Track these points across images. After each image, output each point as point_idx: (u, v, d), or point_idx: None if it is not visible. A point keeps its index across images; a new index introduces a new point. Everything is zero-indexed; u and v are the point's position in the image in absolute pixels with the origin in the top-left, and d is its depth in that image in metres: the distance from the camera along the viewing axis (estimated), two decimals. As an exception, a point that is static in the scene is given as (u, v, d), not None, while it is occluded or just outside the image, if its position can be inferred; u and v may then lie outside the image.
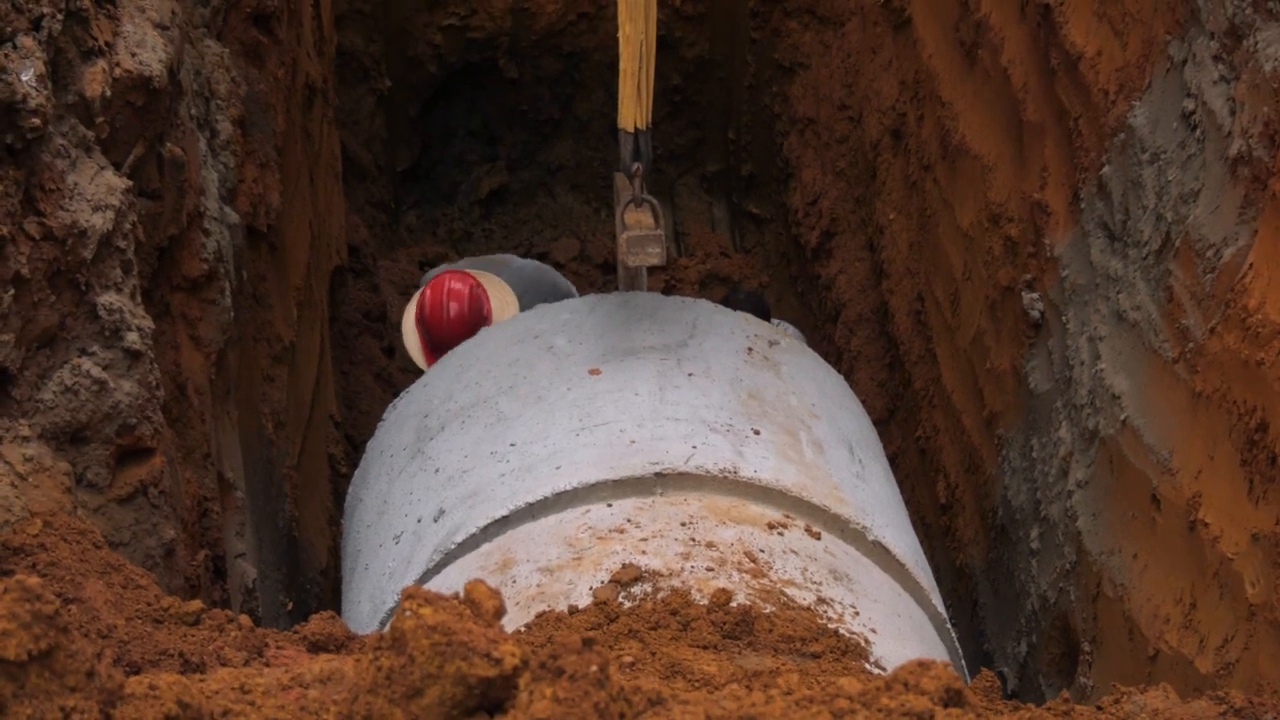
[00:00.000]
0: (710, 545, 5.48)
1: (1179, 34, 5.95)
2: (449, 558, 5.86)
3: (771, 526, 5.70)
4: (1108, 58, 6.57)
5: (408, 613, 2.20)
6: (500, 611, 2.30)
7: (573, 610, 4.99)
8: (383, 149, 11.37)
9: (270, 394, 7.21)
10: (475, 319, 7.56)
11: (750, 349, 6.78)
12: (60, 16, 4.61)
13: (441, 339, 7.55)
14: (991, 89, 7.82)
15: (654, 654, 4.41)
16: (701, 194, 12.11)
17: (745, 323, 7.05)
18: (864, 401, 9.45)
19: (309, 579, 7.63)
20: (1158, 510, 5.78)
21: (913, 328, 8.92)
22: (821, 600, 5.37)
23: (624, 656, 4.40)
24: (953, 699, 2.31)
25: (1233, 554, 5.20)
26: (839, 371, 9.78)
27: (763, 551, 5.51)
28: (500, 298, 7.78)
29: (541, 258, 11.02)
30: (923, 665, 2.34)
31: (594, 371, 6.50)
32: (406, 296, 9.93)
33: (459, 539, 5.86)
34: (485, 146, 11.80)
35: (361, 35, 11.03)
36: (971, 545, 7.87)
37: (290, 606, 7.12)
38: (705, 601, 5.02)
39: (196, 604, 4.00)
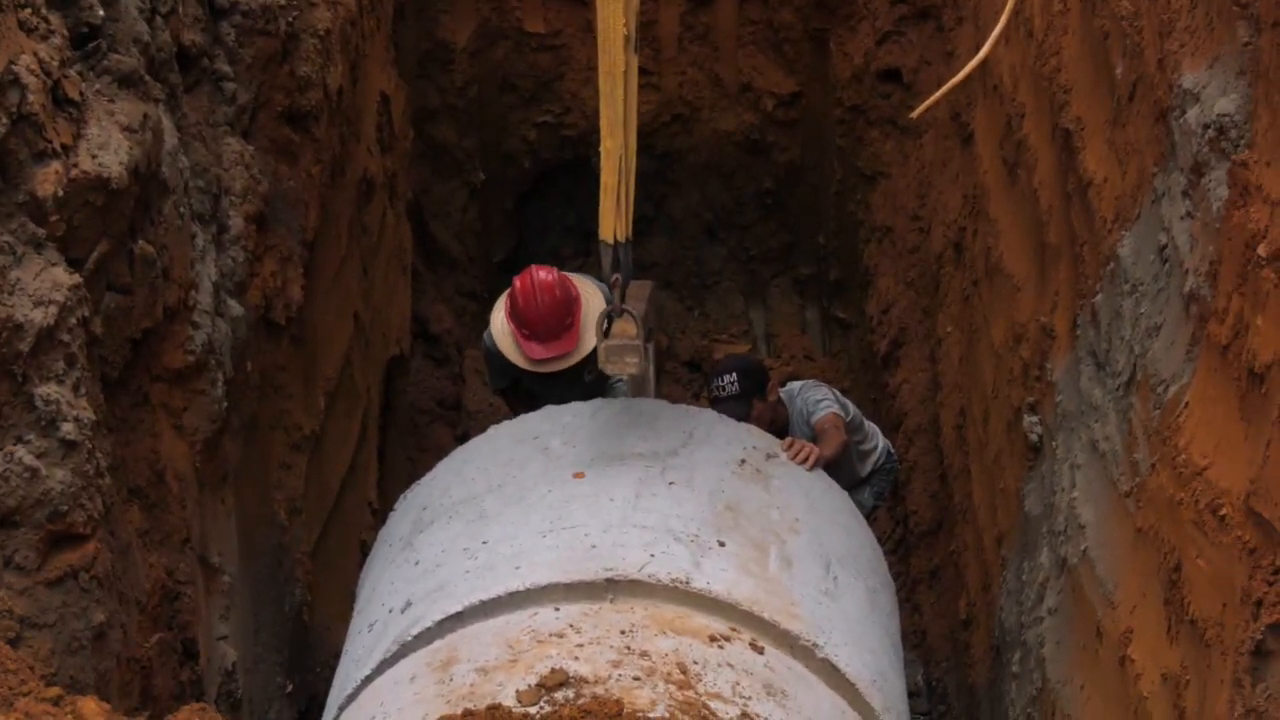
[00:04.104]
0: (644, 654, 5.54)
1: (1163, 166, 5.93)
2: (404, 650, 5.99)
3: (713, 639, 5.75)
4: (1111, 185, 6.55)
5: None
6: None
7: (468, 715, 5.09)
8: (476, 240, 11.59)
9: (286, 481, 7.39)
10: (566, 298, 7.47)
11: (743, 460, 6.84)
12: (7, 121, 4.85)
13: (536, 323, 7.44)
14: (1026, 209, 7.83)
15: (524, 758, 4.51)
16: (794, 296, 12.18)
17: (747, 435, 7.11)
18: (915, 513, 9.45)
19: (320, 661, 7.77)
20: (1100, 643, 5.75)
21: (955, 442, 8.90)
22: (745, 715, 5.40)
23: (495, 758, 4.53)
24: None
25: (1148, 693, 5.17)
26: (899, 479, 9.82)
27: (696, 663, 5.57)
28: (584, 285, 7.66)
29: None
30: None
31: (578, 475, 6.61)
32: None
33: (415, 632, 6.00)
34: (580, 241, 11.97)
35: (455, 130, 11.29)
36: (979, 664, 7.84)
37: (290, 688, 7.27)
38: (613, 710, 5.09)
39: (55, 690, 4.17)
